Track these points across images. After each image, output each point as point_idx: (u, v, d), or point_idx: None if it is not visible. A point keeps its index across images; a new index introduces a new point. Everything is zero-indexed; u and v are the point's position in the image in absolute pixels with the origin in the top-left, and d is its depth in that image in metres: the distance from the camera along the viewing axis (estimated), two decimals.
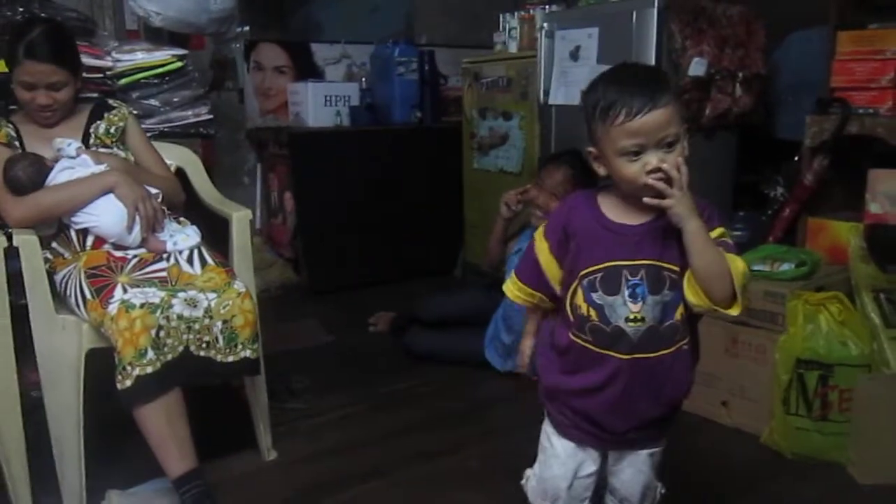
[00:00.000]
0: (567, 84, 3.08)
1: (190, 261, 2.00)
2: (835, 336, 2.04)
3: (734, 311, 1.22)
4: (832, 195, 2.58)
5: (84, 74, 2.24)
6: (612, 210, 1.28)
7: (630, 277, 1.24)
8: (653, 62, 2.80)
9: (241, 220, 2.12)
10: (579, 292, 1.28)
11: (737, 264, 1.20)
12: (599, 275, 1.25)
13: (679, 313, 1.25)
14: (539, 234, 1.35)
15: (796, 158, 2.64)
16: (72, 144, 2.02)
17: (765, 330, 2.19)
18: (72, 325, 1.87)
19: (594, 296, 1.26)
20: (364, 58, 4.39)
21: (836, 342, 2.03)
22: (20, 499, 1.84)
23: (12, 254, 1.82)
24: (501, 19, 3.77)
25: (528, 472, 1.50)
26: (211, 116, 2.58)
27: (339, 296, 3.77)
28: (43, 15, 2.29)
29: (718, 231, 1.23)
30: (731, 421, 2.29)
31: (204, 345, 1.84)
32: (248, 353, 1.89)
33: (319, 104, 3.94)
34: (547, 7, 3.47)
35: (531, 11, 3.55)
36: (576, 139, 2.97)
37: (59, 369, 1.86)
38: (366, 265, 3.94)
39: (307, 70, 4.31)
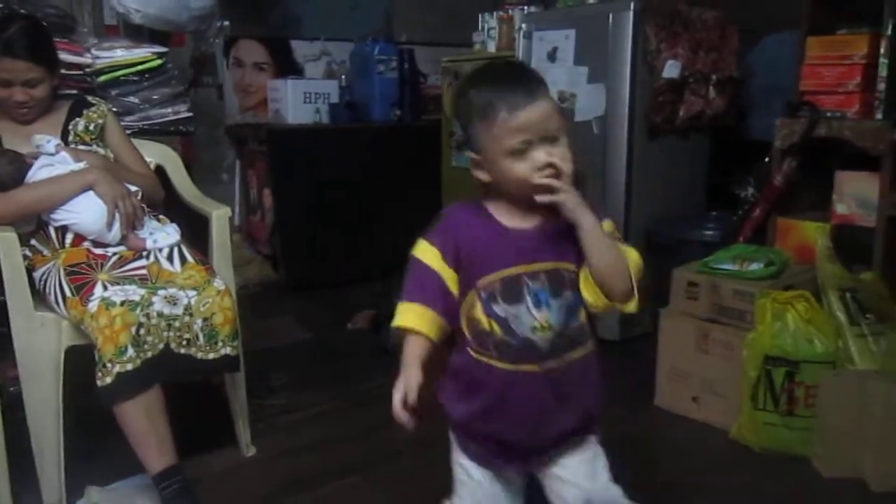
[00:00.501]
0: None
1: (170, 258, 2.01)
2: (801, 334, 2.09)
3: (631, 307, 1.18)
4: (801, 196, 2.64)
5: (63, 71, 2.24)
6: (504, 215, 1.21)
7: (531, 284, 1.17)
8: (628, 64, 2.86)
9: (220, 217, 2.13)
10: (477, 305, 1.19)
11: (632, 255, 1.17)
12: (498, 284, 1.18)
13: (583, 315, 1.21)
14: (424, 248, 1.23)
15: (766, 160, 2.69)
16: (51, 142, 2.03)
17: (734, 327, 2.25)
18: (51, 323, 1.88)
19: (496, 308, 1.17)
20: (344, 55, 4.41)
21: (803, 339, 2.09)
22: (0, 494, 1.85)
23: None
24: (480, 19, 3.80)
25: None
26: (190, 114, 2.59)
27: (317, 293, 3.79)
28: (22, 11, 2.29)
29: (609, 225, 1.19)
30: (700, 416, 2.35)
31: (184, 342, 1.86)
32: (228, 350, 1.91)
33: (299, 101, 3.96)
34: (525, 8, 3.51)
35: (510, 12, 3.59)
36: None
37: (39, 366, 1.87)
38: (344, 262, 3.96)
39: (287, 67, 4.32)
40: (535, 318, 1.17)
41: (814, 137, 2.47)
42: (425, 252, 1.23)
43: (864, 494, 1.94)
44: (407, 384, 1.17)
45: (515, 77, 1.16)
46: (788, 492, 1.99)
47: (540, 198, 1.13)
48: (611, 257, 1.15)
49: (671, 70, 2.88)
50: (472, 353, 1.21)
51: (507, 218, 1.20)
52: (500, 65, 1.27)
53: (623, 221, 2.95)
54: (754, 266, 2.31)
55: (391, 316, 1.23)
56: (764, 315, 2.12)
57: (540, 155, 1.12)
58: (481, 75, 1.20)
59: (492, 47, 3.69)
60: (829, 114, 2.47)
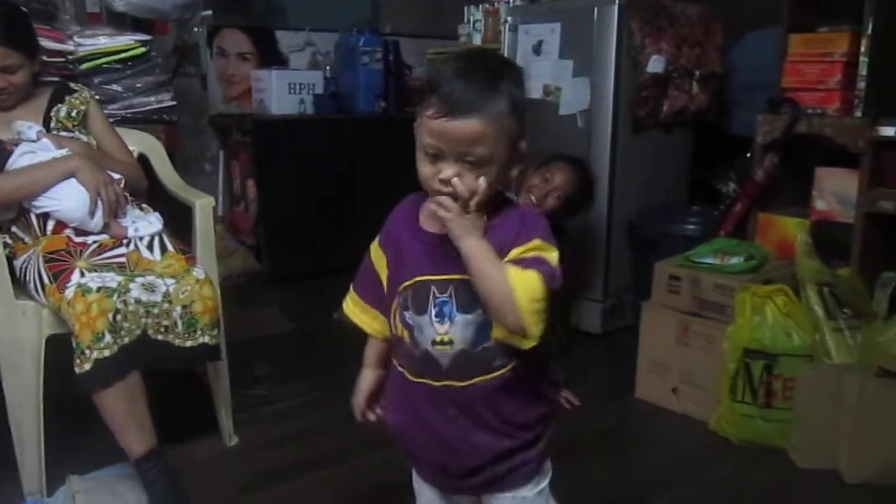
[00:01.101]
0: (529, 77, 3.12)
1: (150, 247, 2.00)
2: (780, 327, 2.12)
3: (527, 344, 1.03)
4: (781, 192, 2.67)
5: (45, 58, 2.22)
6: (427, 216, 1.12)
7: (438, 294, 1.08)
8: (613, 58, 2.87)
9: (204, 207, 2.12)
10: (396, 310, 1.13)
11: (526, 283, 1.00)
12: (410, 291, 1.10)
13: (496, 337, 1.07)
14: (374, 247, 1.20)
15: (748, 155, 2.72)
16: (32, 128, 2.01)
17: (714, 320, 2.27)
18: (32, 311, 1.87)
19: (406, 315, 1.11)
20: (329, 46, 4.39)
21: (781, 333, 2.12)
22: None
23: None
24: (466, 11, 3.81)
25: None
26: (174, 103, 2.58)
27: (300, 283, 3.78)
28: None
29: (533, 244, 1.04)
30: (680, 408, 2.37)
31: (162, 329, 1.85)
32: (206, 339, 1.90)
33: (283, 92, 3.94)
34: (511, 1, 3.51)
35: (495, 5, 3.60)
36: (537, 133, 3.02)
37: (19, 355, 1.86)
38: (327, 253, 3.94)
39: (271, 57, 4.29)
40: (435, 331, 1.09)
41: (795, 134, 2.50)
42: (374, 251, 1.21)
43: (838, 485, 1.98)
44: (357, 386, 1.27)
45: (473, 80, 1.01)
46: (765, 482, 2.02)
47: (431, 205, 1.06)
48: (490, 288, 1.01)
49: (655, 65, 2.90)
50: (394, 359, 1.18)
51: (430, 220, 1.11)
52: (484, 57, 1.13)
53: (606, 214, 2.98)
54: (735, 260, 2.34)
55: None
56: (743, 308, 2.15)
57: (447, 171, 1.02)
58: (456, 58, 1.08)
59: (477, 40, 3.69)
60: (809, 111, 2.51)
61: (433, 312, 1.09)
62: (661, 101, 3.00)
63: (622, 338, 2.91)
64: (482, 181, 1.02)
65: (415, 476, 1.28)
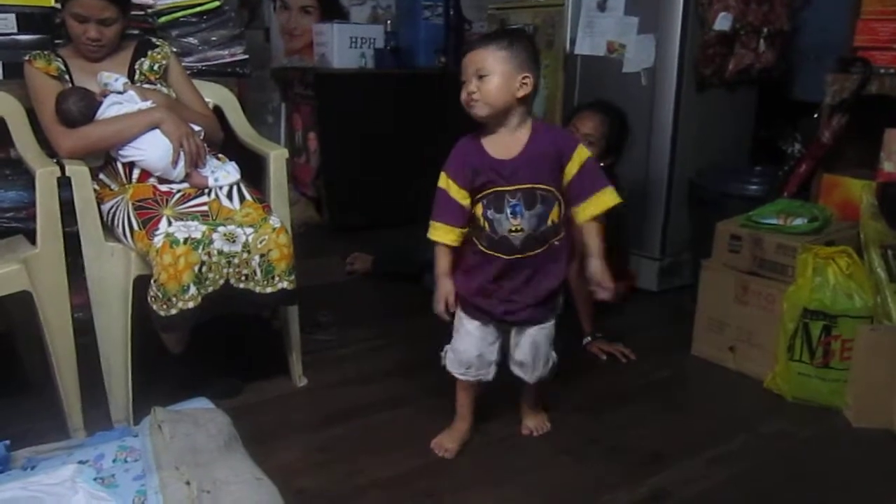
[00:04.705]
0: (593, 34, 3.12)
1: (230, 196, 2.09)
2: (841, 288, 2.13)
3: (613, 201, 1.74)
4: (847, 153, 2.64)
5: None
6: (493, 147, 1.71)
7: (510, 199, 1.69)
8: (680, 16, 2.85)
9: (278, 158, 2.21)
10: (479, 209, 1.72)
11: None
12: (491, 197, 1.70)
13: (551, 220, 1.72)
14: (443, 179, 1.74)
15: (815, 116, 2.69)
16: (119, 80, 2.11)
17: (774, 280, 2.29)
18: (120, 253, 1.98)
19: (488, 213, 1.71)
20: (389, 0, 4.41)
21: (842, 294, 2.13)
22: (72, 410, 1.97)
23: (62, 183, 1.92)
24: None
25: (446, 347, 1.91)
26: (246, 56, 2.63)
27: (359, 235, 3.87)
28: None
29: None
30: (736, 365, 2.41)
31: (243, 277, 1.95)
32: (284, 284, 2.01)
33: (345, 46, 3.98)
34: None
35: None
36: (600, 89, 3.02)
37: (108, 294, 1.98)
38: (386, 206, 4.03)
39: (333, 11, 4.33)
40: (510, 223, 1.71)
41: (864, 94, 2.46)
42: (443, 181, 1.74)
43: (891, 443, 2.01)
44: (445, 293, 1.78)
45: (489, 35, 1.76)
46: (817, 438, 2.06)
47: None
48: None
49: (722, 22, 2.86)
50: (474, 239, 1.75)
51: (496, 149, 1.71)
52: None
53: (667, 173, 2.98)
54: (798, 221, 2.34)
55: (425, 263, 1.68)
56: (805, 269, 2.16)
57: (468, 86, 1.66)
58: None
59: None
60: (881, 70, 2.46)
61: (508, 211, 1.70)
62: (727, 59, 2.97)
63: (679, 296, 2.93)
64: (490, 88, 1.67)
65: (462, 315, 1.84)
